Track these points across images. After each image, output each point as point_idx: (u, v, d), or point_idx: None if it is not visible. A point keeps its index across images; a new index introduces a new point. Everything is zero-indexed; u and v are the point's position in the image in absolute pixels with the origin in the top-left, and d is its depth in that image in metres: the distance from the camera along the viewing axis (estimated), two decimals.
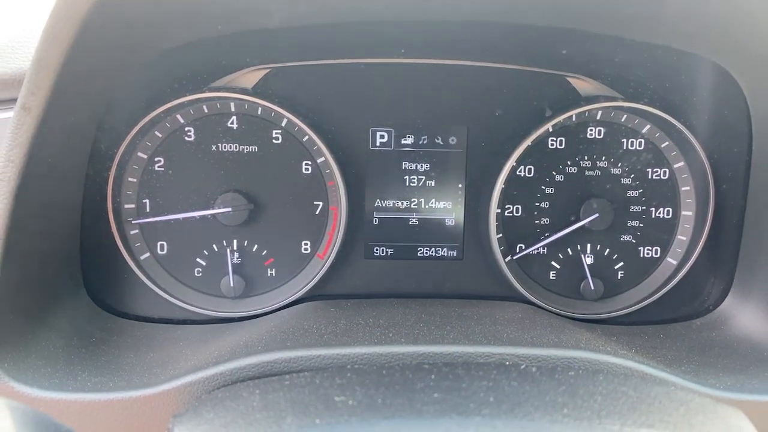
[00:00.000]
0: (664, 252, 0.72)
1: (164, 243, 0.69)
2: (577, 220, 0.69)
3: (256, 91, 0.69)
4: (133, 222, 0.67)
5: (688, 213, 0.70)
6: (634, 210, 0.71)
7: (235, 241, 0.69)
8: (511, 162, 0.68)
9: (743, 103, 0.65)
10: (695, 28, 0.60)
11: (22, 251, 0.54)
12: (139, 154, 0.67)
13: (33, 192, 0.55)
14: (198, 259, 0.69)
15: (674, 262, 0.71)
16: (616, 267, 0.72)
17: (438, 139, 0.71)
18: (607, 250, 0.71)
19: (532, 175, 0.70)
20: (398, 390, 0.49)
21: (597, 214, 0.69)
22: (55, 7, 0.47)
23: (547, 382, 0.48)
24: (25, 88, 0.49)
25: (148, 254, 0.68)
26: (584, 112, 0.69)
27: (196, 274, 0.70)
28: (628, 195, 0.70)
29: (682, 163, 0.69)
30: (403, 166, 0.71)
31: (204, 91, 0.69)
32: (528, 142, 0.68)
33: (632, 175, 0.70)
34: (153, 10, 0.53)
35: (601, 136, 0.70)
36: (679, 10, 0.57)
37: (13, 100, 0.52)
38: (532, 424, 0.41)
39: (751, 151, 0.66)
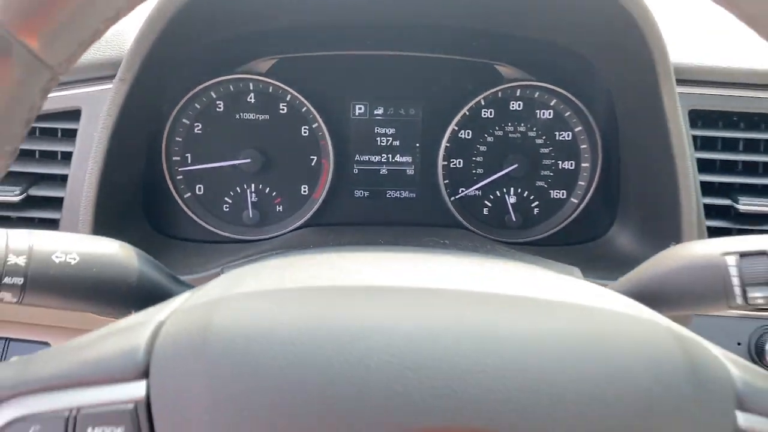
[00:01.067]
0: (569, 194, 0.88)
1: (201, 185, 0.86)
2: (501, 169, 0.86)
3: (268, 74, 0.85)
4: (179, 169, 0.85)
5: (585, 165, 0.87)
6: (545, 163, 0.87)
7: (252, 185, 0.86)
8: (452, 127, 0.85)
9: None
10: (557, 24, 0.77)
11: (109, 188, 0.70)
12: (184, 120, 0.84)
13: (120, 142, 0.71)
14: (225, 198, 0.86)
15: (576, 201, 0.87)
16: (532, 205, 0.88)
17: (401, 111, 0.88)
18: (525, 192, 0.87)
19: (470, 137, 0.87)
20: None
21: (516, 165, 0.85)
22: (152, 8, 0.67)
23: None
24: (123, 65, 0.67)
25: (189, 194, 0.86)
26: (507, 89, 0.86)
27: (224, 209, 0.86)
28: (540, 152, 0.87)
29: (580, 128, 0.86)
30: (376, 130, 0.88)
31: (230, 75, 0.84)
32: (465, 111, 0.85)
33: (543, 137, 0.87)
34: (214, 18, 0.73)
35: (520, 108, 0.87)
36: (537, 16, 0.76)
37: (112, 77, 0.70)
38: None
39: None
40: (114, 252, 0.52)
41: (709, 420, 0.35)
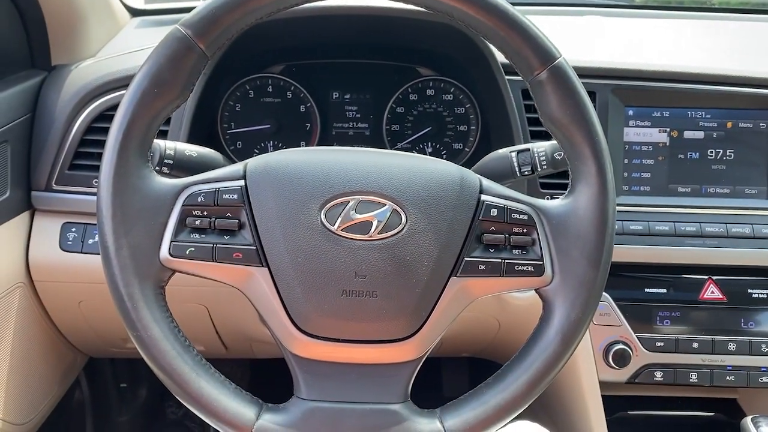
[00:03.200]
0: (464, 146, 1.15)
1: (240, 142, 1.14)
2: (421, 130, 1.16)
3: (281, 73, 1.11)
4: (227, 131, 1.13)
5: (473, 127, 1.14)
6: (449, 126, 1.15)
7: (271, 142, 1.15)
8: (390, 104, 1.14)
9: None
10: (436, 42, 1.04)
11: (192, 141, 0.92)
12: (230, 102, 1.12)
13: (196, 116, 0.99)
14: (255, 150, 1.13)
15: (468, 150, 1.15)
16: (441, 153, 1.14)
17: (360, 95, 1.16)
18: (437, 145, 1.15)
19: (402, 111, 1.15)
20: None
21: (430, 128, 1.14)
22: None
23: None
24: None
25: (233, 147, 1.14)
26: (423, 81, 1.13)
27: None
28: (446, 120, 1.14)
29: (469, 105, 1.14)
30: (345, 108, 1.15)
31: (257, 74, 1.12)
32: (398, 95, 1.14)
33: (447, 110, 1.13)
34: (253, 39, 0.96)
35: (433, 93, 1.14)
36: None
37: None
38: None
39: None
40: (212, 153, 0.95)
41: (466, 194, 0.64)
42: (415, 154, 0.71)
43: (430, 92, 1.16)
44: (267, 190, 0.65)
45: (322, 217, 0.64)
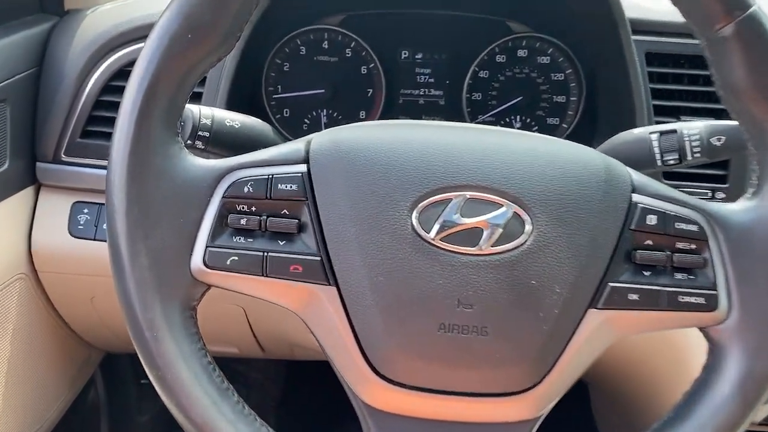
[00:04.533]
0: (561, 121, 1.05)
1: (288, 110, 1.05)
2: (510, 101, 1.05)
3: (339, 26, 1.01)
4: (273, 96, 1.03)
5: (573, 98, 1.03)
6: (543, 97, 1.03)
7: (324, 110, 1.05)
8: (473, 68, 1.02)
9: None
10: None
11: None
12: (277, 60, 1.03)
13: (237, 77, 0.90)
14: (304, 120, 1.04)
15: (566, 126, 1.05)
16: (532, 129, 1.02)
17: (435, 56, 1.05)
18: (528, 119, 1.03)
19: (486, 76, 1.03)
20: None
21: (521, 97, 1.02)
22: None
23: None
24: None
25: (279, 115, 1.04)
26: (515, 40, 1.02)
27: (303, 128, 1.07)
28: (540, 88, 1.03)
29: (570, 70, 1.02)
30: (416, 70, 1.05)
31: (312, 26, 1.01)
32: (483, 56, 1.06)
33: (542, 77, 1.02)
34: None
35: (525, 55, 1.02)
36: None
37: None
38: None
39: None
40: (260, 125, 0.79)
41: (616, 195, 0.52)
42: (540, 135, 0.58)
43: (522, 53, 1.04)
44: (338, 180, 0.53)
45: (414, 220, 0.52)
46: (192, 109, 0.68)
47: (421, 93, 1.06)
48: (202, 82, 0.91)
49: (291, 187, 0.53)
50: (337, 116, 1.05)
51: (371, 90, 1.05)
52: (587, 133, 0.99)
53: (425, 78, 1.06)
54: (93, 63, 0.93)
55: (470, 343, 0.51)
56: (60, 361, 1.09)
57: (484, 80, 1.03)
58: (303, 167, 0.54)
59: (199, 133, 0.68)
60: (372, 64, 1.04)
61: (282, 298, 0.54)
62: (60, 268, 0.97)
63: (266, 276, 0.53)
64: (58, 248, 0.95)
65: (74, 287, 0.98)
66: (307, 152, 0.54)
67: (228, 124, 0.70)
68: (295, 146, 0.55)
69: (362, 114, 1.05)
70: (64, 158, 0.94)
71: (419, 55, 1.05)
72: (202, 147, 0.68)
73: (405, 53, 1.05)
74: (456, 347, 0.51)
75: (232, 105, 0.88)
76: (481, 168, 0.52)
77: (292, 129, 1.03)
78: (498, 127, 0.59)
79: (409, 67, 1.05)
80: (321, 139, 0.55)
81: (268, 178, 0.54)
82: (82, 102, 0.93)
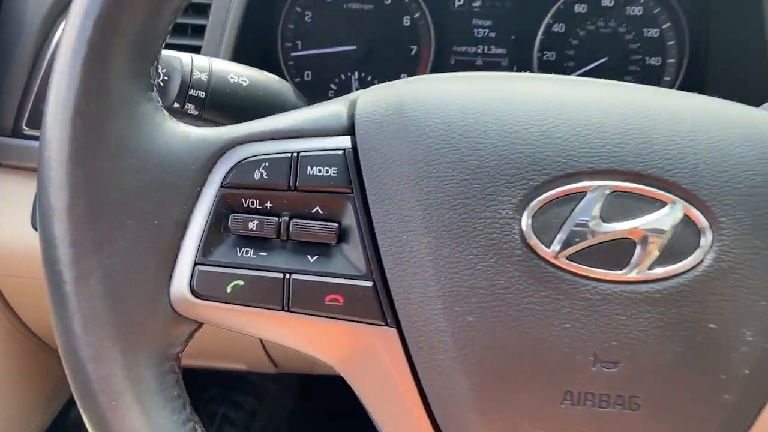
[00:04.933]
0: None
1: (309, 72, 0.94)
2: (592, 62, 0.91)
3: None
4: (291, 55, 0.93)
5: (671, 60, 0.91)
6: (633, 58, 0.91)
7: (356, 72, 0.93)
8: (547, 20, 0.91)
9: None
10: None
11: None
12: (296, 8, 0.92)
13: (243, 30, 0.80)
14: (331, 84, 0.94)
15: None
16: None
17: (498, 2, 0.93)
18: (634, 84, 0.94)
19: (563, 30, 0.91)
20: None
21: (606, 58, 0.91)
22: None
23: None
24: None
25: (299, 79, 0.94)
26: None
27: (329, 95, 0.94)
28: (629, 47, 0.91)
29: (668, 24, 0.90)
30: (473, 22, 0.93)
31: None
32: (559, 5, 0.90)
33: (632, 33, 0.91)
34: None
35: (611, 4, 0.91)
36: None
37: None
38: None
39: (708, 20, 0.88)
40: (276, 82, 0.60)
41: None
42: (714, 98, 0.44)
43: (607, 2, 0.91)
44: (402, 161, 0.39)
45: (526, 227, 0.38)
46: (181, 58, 0.55)
47: (479, 51, 0.94)
48: (200, 32, 0.81)
49: (328, 171, 0.40)
50: (372, 80, 0.95)
51: (415, 47, 0.93)
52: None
53: (484, 32, 0.94)
54: (55, 17, 0.82)
55: (613, 422, 0.39)
56: (31, 377, 1.01)
57: (559, 36, 0.92)
58: (346, 140, 0.41)
59: (191, 92, 0.54)
60: (417, 14, 0.92)
61: (312, 344, 0.42)
62: (21, 270, 0.85)
63: (288, 310, 0.40)
64: (19, 244, 0.83)
65: (41, 292, 0.80)
66: (352, 117, 0.41)
67: (232, 80, 0.56)
68: (332, 109, 0.43)
69: (403, 77, 0.87)
70: (26, 131, 0.82)
71: (477, 3, 0.94)
72: (195, 112, 0.55)
73: (459, 1, 0.95)
74: (590, 429, 0.38)
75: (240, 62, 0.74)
76: (630, 143, 0.39)
77: (314, 97, 0.87)
78: (630, 84, 0.46)
79: (465, 18, 0.93)
80: (372, 98, 0.42)
81: (291, 158, 0.40)
82: (45, 63, 0.82)
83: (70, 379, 0.40)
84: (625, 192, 0.38)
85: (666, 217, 0.38)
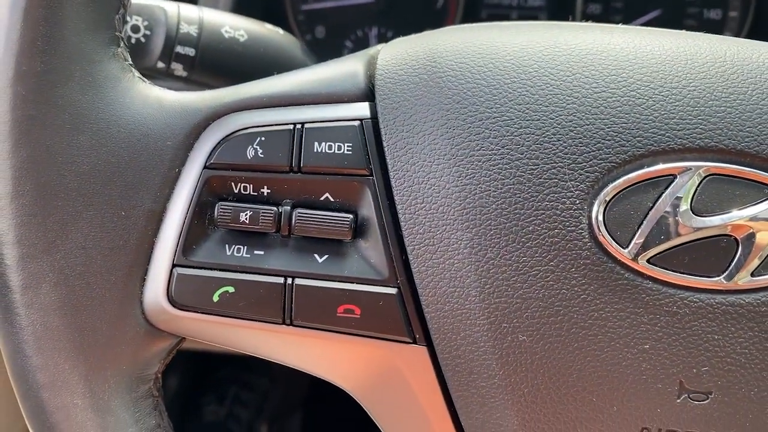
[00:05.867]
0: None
1: (323, 27, 0.88)
2: (643, 15, 0.84)
3: None
4: (301, 8, 0.86)
5: (734, 14, 0.84)
6: (690, 11, 0.84)
7: (375, 28, 0.87)
8: None
9: None
10: None
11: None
12: None
13: None
14: (346, 42, 0.87)
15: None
16: None
17: None
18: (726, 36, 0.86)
19: None
20: None
21: (659, 11, 0.84)
22: None
23: None
24: None
25: (310, 36, 0.87)
26: None
27: (344, 54, 0.90)
28: (686, 0, 0.85)
29: None
30: None
31: None
32: None
33: None
34: None
35: None
36: None
37: None
38: None
39: None
40: (280, 37, 0.52)
41: None
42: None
43: None
44: (436, 135, 0.32)
45: (597, 221, 0.31)
46: (165, 7, 0.48)
47: (514, 3, 0.89)
48: None
49: (341, 148, 0.34)
50: (392, 36, 0.86)
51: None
52: None
53: None
54: None
55: None
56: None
57: None
58: (363, 108, 0.34)
59: (178, 49, 0.47)
60: None
61: (321, 365, 0.35)
62: None
63: (291, 324, 0.33)
64: None
65: None
66: (371, 78, 0.35)
67: (227, 34, 0.49)
68: (346, 67, 0.36)
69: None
70: None
71: None
72: (184, 74, 0.48)
73: None
74: None
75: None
76: (732, 112, 0.31)
77: (326, 58, 0.79)
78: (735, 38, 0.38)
79: None
80: (397, 54, 0.35)
81: (294, 130, 0.34)
82: None
83: (23, 409, 0.33)
84: (724, 176, 0.31)
85: None
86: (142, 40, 0.46)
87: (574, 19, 0.85)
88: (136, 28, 0.46)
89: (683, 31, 0.37)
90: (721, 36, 0.36)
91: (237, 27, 0.49)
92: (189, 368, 1.28)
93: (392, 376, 0.33)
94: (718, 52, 0.33)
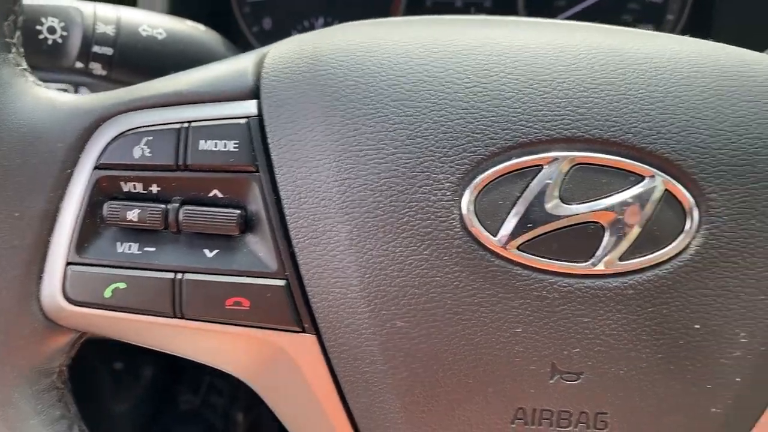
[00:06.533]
0: (657, 29, 0.85)
1: (269, 19, 0.86)
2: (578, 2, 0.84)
3: None
4: (247, 1, 0.85)
5: None
6: None
7: (321, 18, 0.86)
8: None
9: None
10: None
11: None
12: None
13: None
14: (293, 32, 0.86)
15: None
16: None
17: None
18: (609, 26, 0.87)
19: None
20: None
21: None
22: None
23: None
24: None
25: (257, 28, 0.86)
26: None
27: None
28: None
29: None
30: None
31: None
32: None
33: None
34: None
35: None
36: None
37: None
38: None
39: None
40: (201, 33, 0.53)
41: None
42: (710, 43, 0.37)
43: None
44: (318, 131, 0.33)
45: (467, 210, 0.32)
46: (81, 8, 0.49)
47: None
48: None
49: (226, 145, 0.34)
50: (347, 16, 0.81)
51: None
52: None
53: None
54: None
55: None
56: None
57: None
58: (250, 106, 0.35)
59: (96, 49, 0.48)
60: None
61: (213, 355, 0.36)
62: None
63: (181, 317, 0.34)
64: None
65: None
66: (258, 77, 0.36)
67: (144, 33, 0.50)
68: (237, 66, 0.37)
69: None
70: None
71: None
72: (103, 72, 0.49)
73: None
74: None
75: (181, 8, 0.71)
76: (598, 103, 0.33)
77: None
78: (604, 25, 0.40)
79: None
80: (284, 52, 0.36)
81: (180, 130, 0.34)
82: None
83: None
84: (590, 165, 0.32)
85: (642, 194, 0.32)
86: (59, 41, 0.47)
87: (516, 3, 0.85)
88: (52, 30, 0.47)
89: (571, 23, 0.38)
90: (592, 24, 0.37)
91: (155, 25, 0.50)
92: (162, 358, 1.28)
93: (284, 364, 0.35)
94: (593, 43, 0.35)
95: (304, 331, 0.34)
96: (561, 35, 0.35)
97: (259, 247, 0.34)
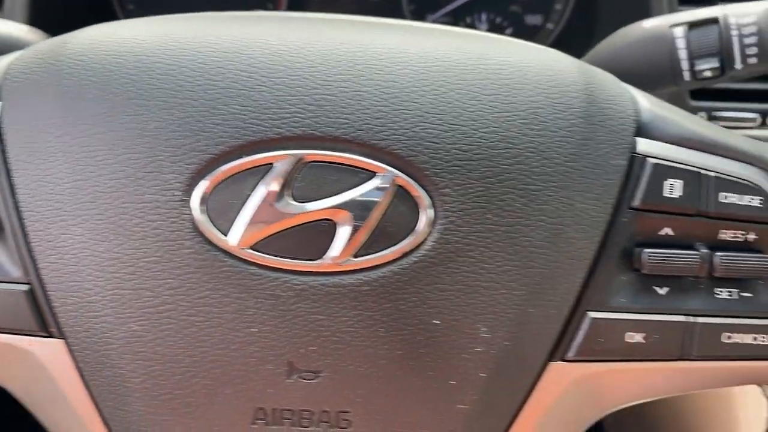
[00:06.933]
0: (545, 19, 0.86)
1: (145, 6, 0.87)
2: None
3: None
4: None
5: None
6: None
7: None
8: None
9: None
10: None
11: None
12: None
13: None
14: None
15: (551, 27, 0.85)
16: (505, 32, 0.86)
17: None
18: (498, 18, 0.86)
19: None
20: None
21: None
22: None
23: None
24: None
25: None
26: None
27: None
28: None
29: None
30: None
31: None
32: None
33: None
34: None
35: None
36: None
37: None
38: None
39: None
40: (24, 34, 0.52)
41: (605, 142, 0.34)
42: (455, 29, 0.39)
43: None
44: (52, 133, 0.33)
45: (198, 212, 0.32)
46: None
47: None
48: None
49: None
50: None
51: None
52: (582, 38, 0.83)
53: None
54: None
55: None
56: None
57: None
58: None
59: None
60: None
61: None
62: None
63: None
64: None
65: None
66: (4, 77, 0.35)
67: None
68: None
69: (270, 7, 0.88)
70: None
71: None
72: None
73: None
74: None
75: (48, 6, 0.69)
76: (331, 100, 0.33)
77: None
78: (372, 18, 0.40)
79: None
80: (34, 52, 0.36)
81: None
82: None
83: None
84: (322, 162, 0.32)
85: (374, 191, 0.31)
86: None
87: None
88: None
89: (316, 15, 0.38)
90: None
91: None
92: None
93: (37, 370, 0.34)
94: (340, 40, 0.34)
95: (49, 336, 0.33)
96: (311, 31, 0.35)
97: (2, 252, 0.34)
